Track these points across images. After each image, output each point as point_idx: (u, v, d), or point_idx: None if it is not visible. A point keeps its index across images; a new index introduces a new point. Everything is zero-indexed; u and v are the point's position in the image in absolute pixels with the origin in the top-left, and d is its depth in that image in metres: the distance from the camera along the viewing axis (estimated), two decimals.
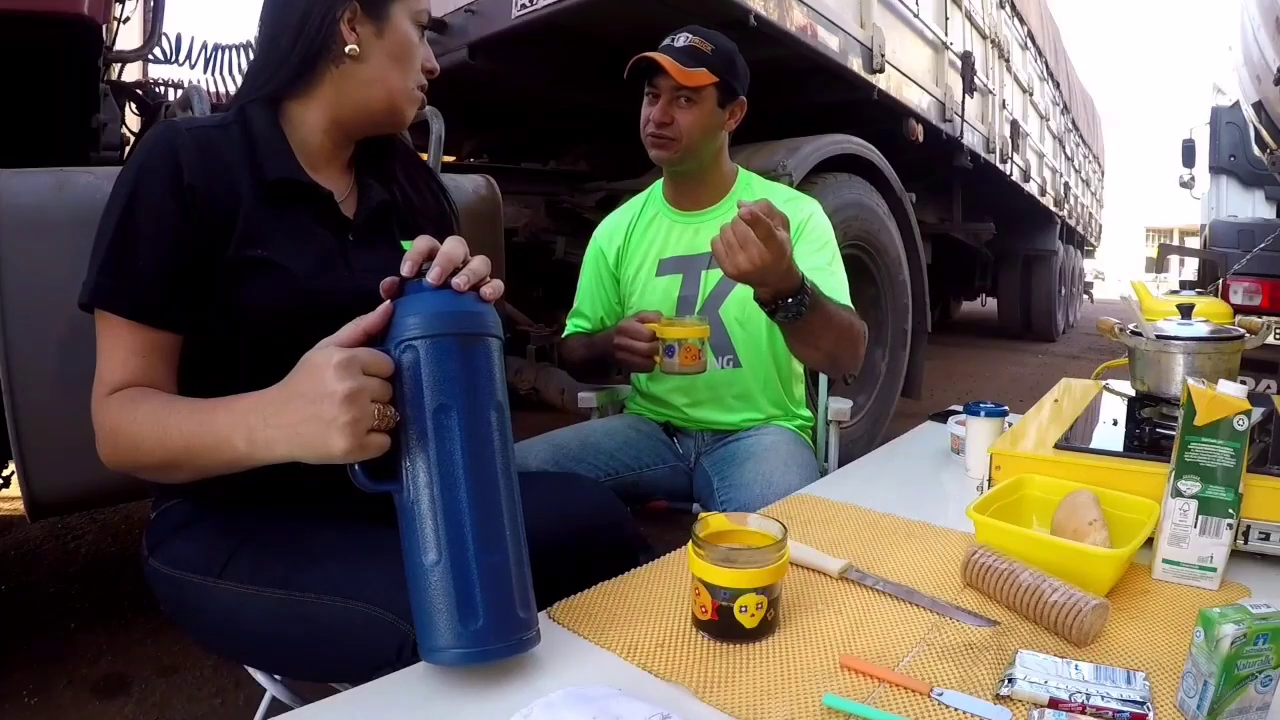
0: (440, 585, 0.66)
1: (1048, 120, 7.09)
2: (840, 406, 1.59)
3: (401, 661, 0.70)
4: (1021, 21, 5.76)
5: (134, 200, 0.82)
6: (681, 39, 1.40)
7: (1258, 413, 0.94)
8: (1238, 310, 1.98)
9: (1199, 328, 1.19)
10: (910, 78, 3.47)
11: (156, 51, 2.26)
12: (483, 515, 0.67)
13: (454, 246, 0.71)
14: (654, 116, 1.40)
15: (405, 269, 0.69)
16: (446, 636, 0.66)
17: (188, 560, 0.85)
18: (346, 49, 0.89)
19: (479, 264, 0.71)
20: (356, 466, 0.66)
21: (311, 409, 0.64)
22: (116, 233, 0.81)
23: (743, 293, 1.46)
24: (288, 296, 0.83)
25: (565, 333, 1.63)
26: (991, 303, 9.05)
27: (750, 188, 1.53)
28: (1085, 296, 11.57)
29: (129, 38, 2.30)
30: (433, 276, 0.68)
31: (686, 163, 1.44)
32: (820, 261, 1.40)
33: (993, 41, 4.86)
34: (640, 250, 1.55)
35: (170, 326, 0.82)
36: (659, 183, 1.59)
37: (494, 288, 0.71)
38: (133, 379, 0.80)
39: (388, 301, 0.70)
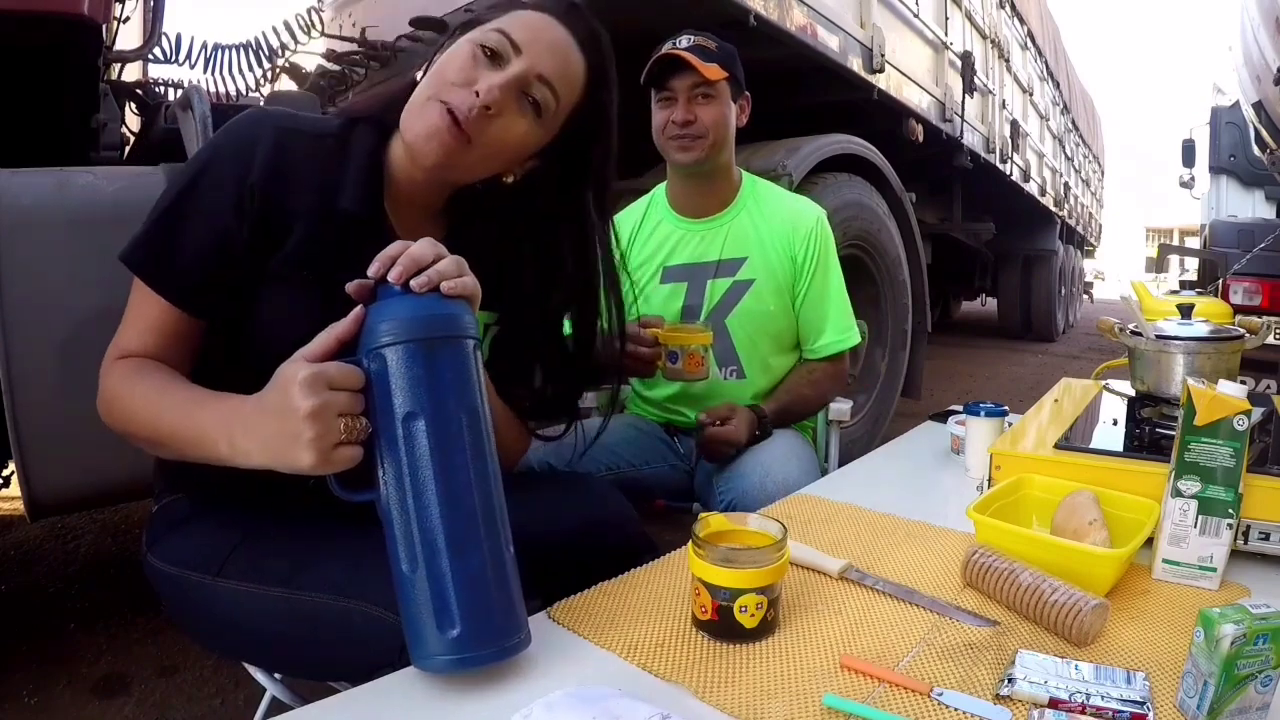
0: (419, 593, 0.66)
1: (1048, 120, 7.10)
2: (840, 407, 1.59)
3: (402, 661, 0.70)
4: (1021, 21, 5.76)
5: (199, 180, 0.81)
6: (684, 40, 1.40)
7: (1258, 413, 0.94)
8: (1238, 310, 1.99)
9: (1199, 328, 1.19)
10: (910, 78, 3.47)
11: (156, 51, 2.26)
12: (454, 523, 0.67)
13: (422, 248, 0.70)
14: (677, 117, 1.40)
15: (372, 269, 0.69)
16: (429, 644, 0.66)
17: (187, 558, 0.85)
18: (416, 75, 0.86)
19: (446, 265, 0.70)
20: (331, 478, 0.67)
21: (278, 424, 0.66)
22: (172, 205, 0.81)
23: (749, 304, 1.46)
24: (306, 327, 0.73)
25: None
26: (991, 303, 9.04)
27: (756, 193, 1.53)
28: (1085, 296, 11.57)
29: (129, 38, 2.29)
30: (393, 276, 0.68)
31: (710, 161, 1.44)
32: (818, 295, 1.49)
33: (993, 41, 4.86)
34: (644, 257, 1.54)
35: (195, 313, 0.81)
36: (661, 187, 1.59)
37: (453, 285, 0.70)
38: (145, 352, 0.80)
39: (359, 306, 0.70)
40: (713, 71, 1.37)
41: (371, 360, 0.67)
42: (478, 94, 0.79)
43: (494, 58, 0.82)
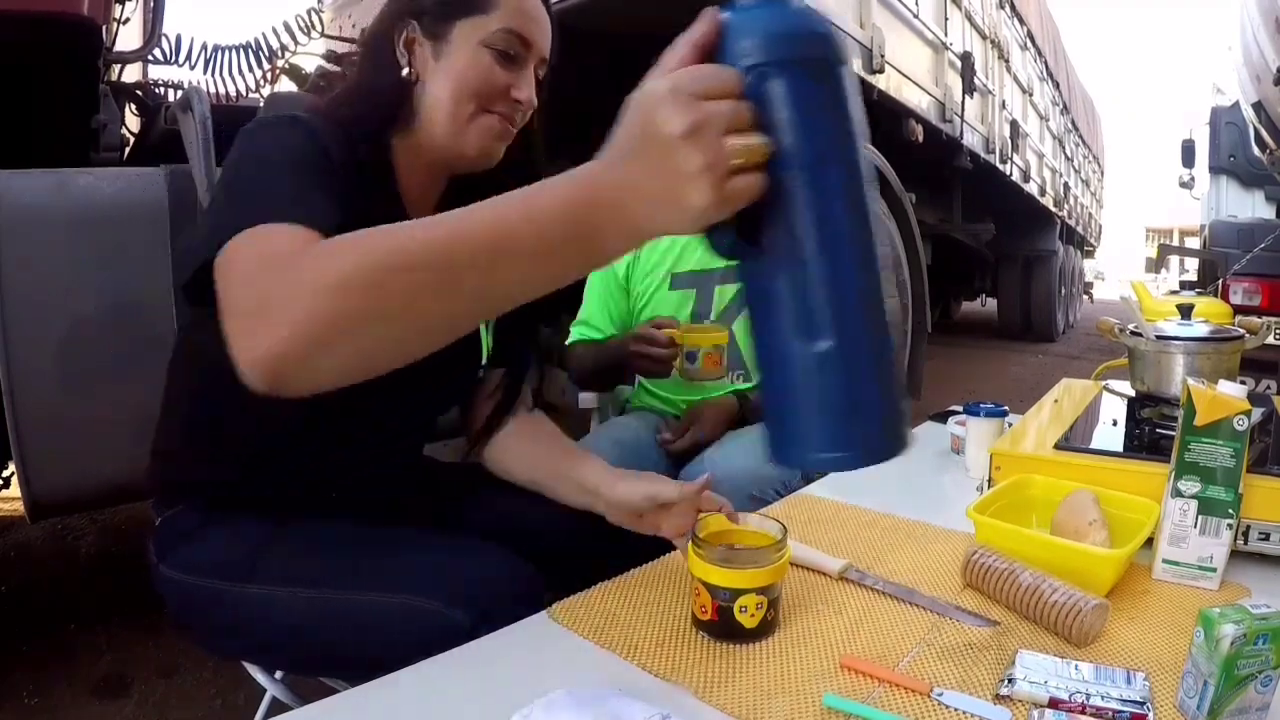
0: (826, 377, 0.50)
1: (1047, 120, 7.10)
2: None
3: (437, 649, 0.71)
4: (1021, 21, 5.76)
5: (304, 156, 0.73)
6: None
7: (1258, 413, 0.94)
8: (1238, 310, 1.98)
9: (1199, 328, 1.19)
10: (910, 78, 3.47)
11: (156, 52, 2.26)
12: (872, 296, 0.51)
13: None
14: None
15: None
16: (824, 438, 0.51)
17: (208, 565, 0.84)
18: (403, 73, 0.85)
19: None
20: (720, 230, 0.49)
21: (643, 166, 0.47)
22: (292, 172, 0.71)
23: None
24: None
25: (570, 339, 1.62)
26: (991, 303, 9.04)
27: None
28: (1085, 296, 11.56)
29: (129, 38, 2.30)
30: None
31: None
32: None
33: (992, 42, 4.86)
34: (652, 263, 1.54)
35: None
36: None
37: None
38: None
39: (711, 9, 0.50)
40: None
41: (756, 76, 0.48)
42: (519, 102, 0.87)
43: (512, 59, 0.87)
